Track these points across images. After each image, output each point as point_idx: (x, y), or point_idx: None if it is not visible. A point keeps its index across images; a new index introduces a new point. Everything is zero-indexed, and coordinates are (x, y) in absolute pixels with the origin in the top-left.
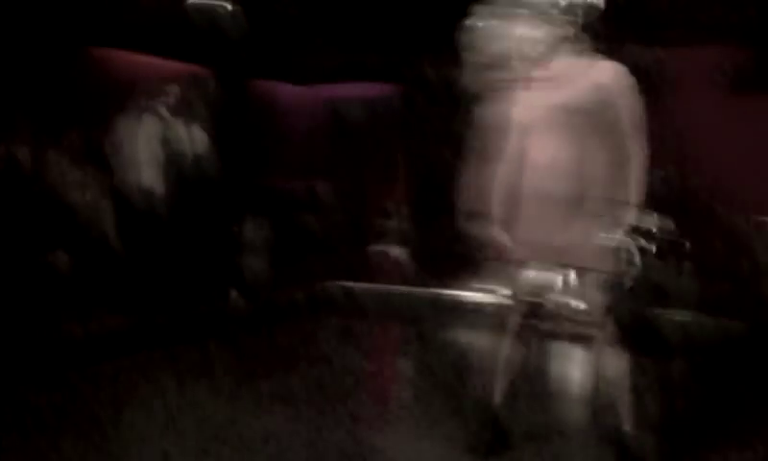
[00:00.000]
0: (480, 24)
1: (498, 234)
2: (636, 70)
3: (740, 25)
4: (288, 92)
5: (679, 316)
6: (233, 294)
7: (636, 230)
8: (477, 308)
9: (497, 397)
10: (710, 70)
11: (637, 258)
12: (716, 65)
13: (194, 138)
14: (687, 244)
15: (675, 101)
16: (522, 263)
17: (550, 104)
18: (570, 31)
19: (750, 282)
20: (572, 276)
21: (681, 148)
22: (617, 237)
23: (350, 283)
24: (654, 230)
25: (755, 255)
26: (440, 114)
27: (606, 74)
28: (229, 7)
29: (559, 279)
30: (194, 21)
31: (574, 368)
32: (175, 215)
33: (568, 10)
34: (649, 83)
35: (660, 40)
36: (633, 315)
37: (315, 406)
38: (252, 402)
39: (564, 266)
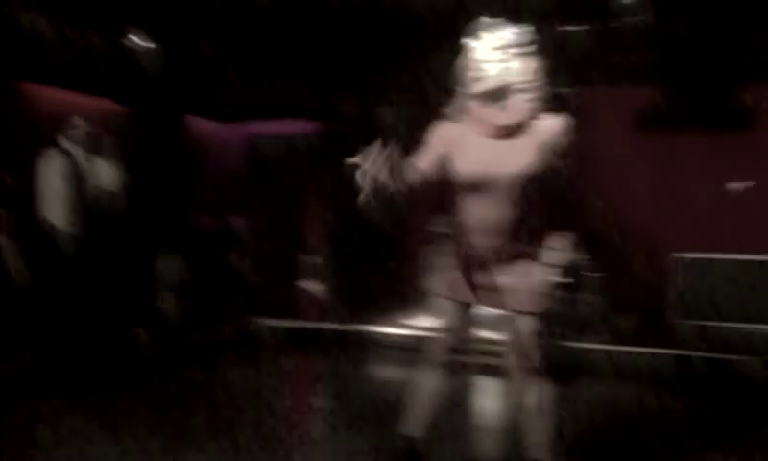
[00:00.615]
0: (481, 53)
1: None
2: (550, 109)
3: (648, 65)
4: (209, 129)
5: (593, 346)
6: (141, 334)
7: (554, 265)
8: (399, 343)
9: (417, 431)
10: (622, 109)
11: (556, 292)
12: (627, 104)
13: (102, 175)
14: (595, 276)
15: (587, 139)
16: (455, 299)
17: (503, 166)
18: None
19: (661, 314)
20: (499, 311)
21: (590, 181)
22: (546, 273)
23: (272, 320)
24: (569, 264)
25: (664, 288)
26: (356, 150)
27: (552, 129)
28: (148, 45)
29: (488, 315)
30: (113, 59)
31: (496, 400)
32: (84, 253)
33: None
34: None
35: (573, 80)
36: (552, 347)
37: (229, 444)
38: (162, 446)
39: (494, 301)
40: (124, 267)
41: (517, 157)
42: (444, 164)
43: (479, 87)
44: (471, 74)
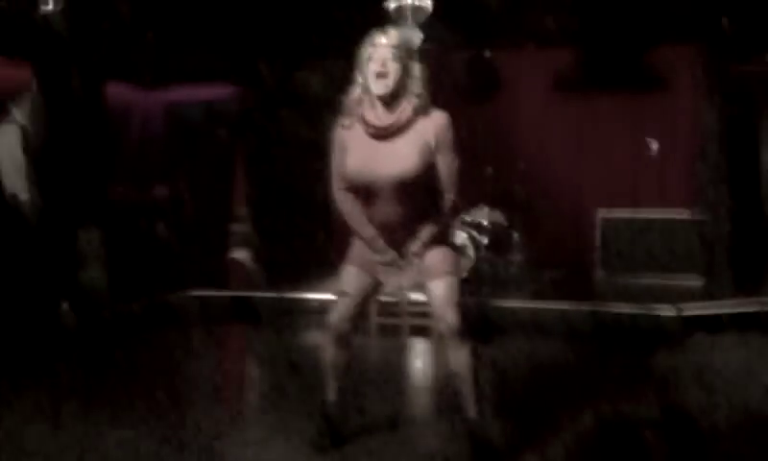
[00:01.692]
0: (375, 47)
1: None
2: (465, 73)
3: (561, 28)
4: (129, 95)
5: (512, 303)
6: (65, 307)
7: (470, 225)
8: (322, 309)
9: (331, 394)
10: (541, 71)
11: (471, 251)
12: (546, 66)
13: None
14: (516, 235)
15: (504, 101)
16: (361, 268)
17: (392, 168)
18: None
19: (579, 268)
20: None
21: (512, 145)
22: (455, 234)
23: (200, 291)
24: (485, 223)
25: (582, 244)
26: (281, 117)
27: (436, 128)
28: (52, 5)
29: (405, 276)
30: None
31: (419, 360)
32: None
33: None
34: (478, 84)
35: (488, 43)
36: (470, 305)
37: (159, 418)
38: (88, 422)
39: (410, 263)
40: (44, 240)
41: (401, 159)
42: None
43: (381, 88)
44: (374, 69)
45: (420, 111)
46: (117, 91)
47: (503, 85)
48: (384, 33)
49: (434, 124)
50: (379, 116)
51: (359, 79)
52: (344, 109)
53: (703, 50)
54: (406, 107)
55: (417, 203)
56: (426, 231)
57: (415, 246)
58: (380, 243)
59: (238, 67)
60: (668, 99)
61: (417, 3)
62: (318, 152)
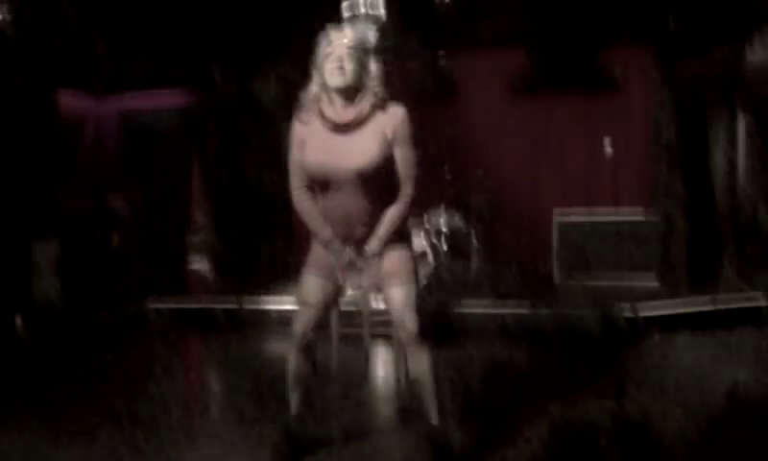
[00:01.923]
0: (331, 45)
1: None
2: (420, 76)
3: (514, 30)
4: (82, 104)
5: (472, 307)
6: (18, 321)
7: (428, 230)
8: (290, 319)
9: (293, 408)
10: (490, 73)
11: (431, 257)
12: (495, 69)
13: None
14: (474, 239)
15: (459, 104)
16: (320, 276)
17: (350, 161)
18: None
19: (536, 270)
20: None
21: (468, 148)
22: (414, 238)
23: (159, 301)
24: (444, 228)
25: (539, 246)
26: (238, 122)
27: (393, 122)
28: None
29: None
30: None
31: (382, 368)
32: None
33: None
34: (433, 88)
35: (445, 46)
36: (430, 310)
37: (119, 431)
38: (46, 437)
39: (368, 262)
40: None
41: (359, 152)
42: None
43: (338, 81)
44: (331, 66)
45: (378, 106)
46: (69, 100)
47: (458, 88)
48: (340, 31)
49: (391, 118)
50: (338, 112)
51: (316, 77)
52: (301, 105)
53: (654, 51)
54: (364, 102)
55: (375, 196)
56: (384, 227)
57: (373, 243)
58: (337, 244)
59: (192, 73)
60: (621, 100)
61: (370, 11)
62: (276, 157)
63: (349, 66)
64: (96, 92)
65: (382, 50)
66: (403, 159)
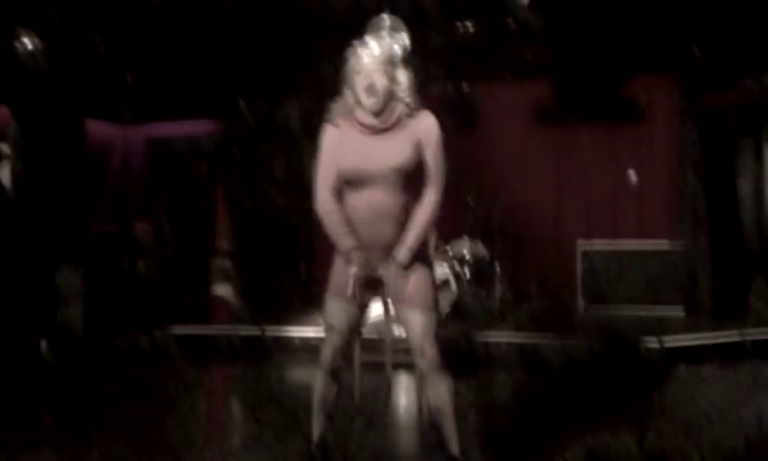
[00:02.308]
0: (363, 58)
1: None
2: (445, 106)
3: (539, 60)
4: (109, 132)
5: (494, 336)
6: (44, 346)
7: (452, 257)
8: (313, 346)
9: (316, 435)
10: (520, 104)
11: (454, 285)
12: (525, 100)
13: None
14: (498, 268)
15: (483, 134)
16: (342, 297)
17: (381, 161)
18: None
19: (560, 300)
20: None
21: (490, 178)
22: (436, 266)
23: (183, 327)
24: (467, 256)
25: (563, 276)
26: (262, 151)
27: (424, 128)
28: (29, 44)
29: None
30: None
31: (401, 397)
32: None
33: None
34: (458, 118)
35: (469, 77)
36: (452, 339)
37: (141, 457)
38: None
39: (390, 296)
40: (23, 278)
41: (393, 152)
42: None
43: (372, 102)
44: (361, 83)
45: (408, 115)
46: (97, 128)
47: (482, 118)
48: (367, 47)
49: (422, 123)
50: (370, 120)
51: (347, 93)
52: (333, 114)
53: (679, 80)
54: (395, 112)
55: (404, 197)
56: (411, 234)
57: (401, 252)
58: (358, 255)
59: (218, 102)
60: (646, 129)
61: (396, 47)
62: (299, 184)
63: (380, 82)
64: (124, 120)
65: (410, 60)
66: (433, 163)
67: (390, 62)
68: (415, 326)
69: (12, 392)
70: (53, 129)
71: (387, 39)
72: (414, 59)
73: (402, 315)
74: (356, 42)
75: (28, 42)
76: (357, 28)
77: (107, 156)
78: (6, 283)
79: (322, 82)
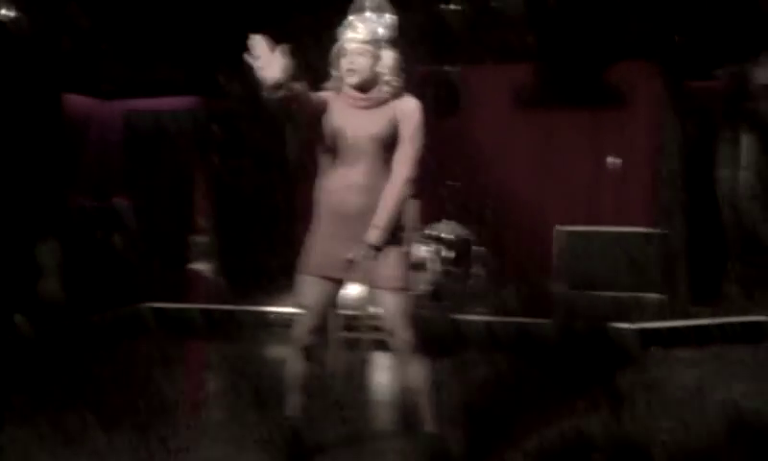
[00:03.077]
0: (347, 39)
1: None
2: (427, 89)
3: (522, 45)
4: (87, 106)
5: (472, 317)
6: (19, 319)
7: (432, 239)
8: (290, 323)
9: (293, 410)
10: (502, 87)
11: (436, 265)
12: (507, 82)
13: None
14: (483, 249)
15: (465, 117)
16: (317, 275)
17: (361, 130)
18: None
19: (538, 283)
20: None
21: (472, 161)
22: (415, 247)
23: (160, 303)
24: (451, 237)
25: (542, 259)
26: (242, 127)
27: (404, 108)
28: (7, 18)
29: (359, 290)
30: None
31: (378, 375)
32: None
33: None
34: (440, 100)
35: (451, 60)
36: (430, 319)
37: (121, 434)
38: (49, 438)
39: (358, 277)
40: (1, 251)
41: (374, 123)
42: (322, 109)
43: (352, 80)
44: (345, 64)
45: (392, 95)
46: (76, 102)
47: (465, 101)
48: (352, 28)
49: (404, 106)
50: (355, 97)
51: (334, 73)
52: (327, 89)
53: (661, 67)
54: (379, 92)
55: (381, 170)
56: (382, 213)
57: (372, 233)
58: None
59: (198, 78)
60: (627, 115)
61: (380, 28)
62: (279, 161)
63: (361, 63)
64: (103, 94)
65: (394, 41)
66: (408, 140)
67: (374, 43)
68: (389, 306)
69: None
70: (31, 103)
71: (371, 20)
72: (400, 40)
73: (377, 296)
74: (344, 23)
75: (6, 16)
76: (341, 4)
77: (85, 130)
78: None
79: (304, 58)
